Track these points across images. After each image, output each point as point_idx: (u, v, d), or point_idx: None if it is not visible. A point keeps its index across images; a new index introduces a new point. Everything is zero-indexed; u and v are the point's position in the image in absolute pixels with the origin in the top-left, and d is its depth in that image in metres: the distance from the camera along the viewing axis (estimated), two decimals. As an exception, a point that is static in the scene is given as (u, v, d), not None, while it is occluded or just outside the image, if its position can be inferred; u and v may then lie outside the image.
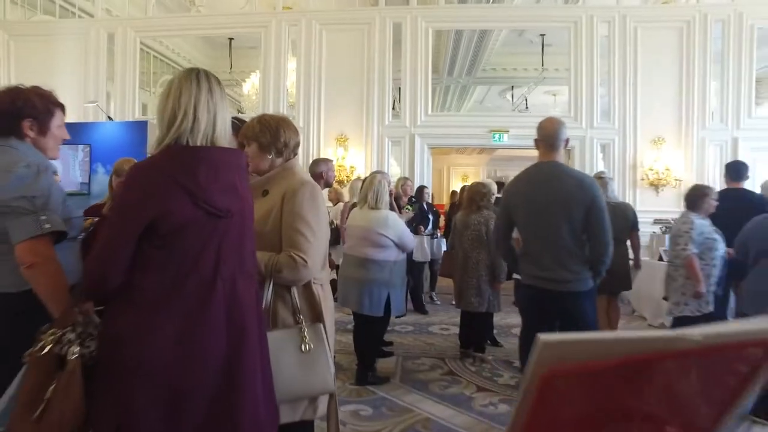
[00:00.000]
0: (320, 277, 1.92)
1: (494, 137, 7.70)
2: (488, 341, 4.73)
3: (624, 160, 7.65)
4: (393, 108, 8.05)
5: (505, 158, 12.86)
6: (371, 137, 7.91)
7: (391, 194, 5.41)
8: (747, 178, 4.62)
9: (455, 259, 4.43)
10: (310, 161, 7.43)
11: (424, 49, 7.86)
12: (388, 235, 3.58)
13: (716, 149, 7.71)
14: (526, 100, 11.69)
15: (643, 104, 7.63)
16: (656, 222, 6.35)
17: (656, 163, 7.50)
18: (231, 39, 9.69)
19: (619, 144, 7.67)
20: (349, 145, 7.95)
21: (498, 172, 13.00)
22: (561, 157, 2.79)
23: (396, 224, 3.65)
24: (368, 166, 7.79)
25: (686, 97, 7.63)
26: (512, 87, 11.65)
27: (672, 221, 6.37)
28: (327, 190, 5.12)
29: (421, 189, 6.70)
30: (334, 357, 4.38)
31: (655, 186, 7.60)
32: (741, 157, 7.65)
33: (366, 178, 4.01)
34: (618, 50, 7.66)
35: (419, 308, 6.27)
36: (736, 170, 4.66)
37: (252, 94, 9.75)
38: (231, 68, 10.04)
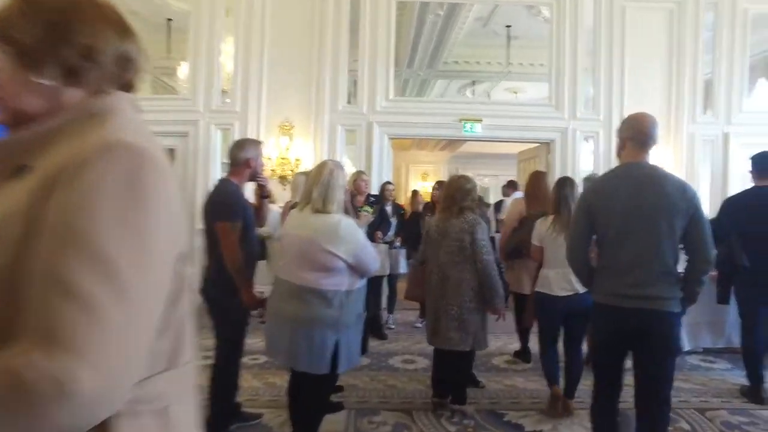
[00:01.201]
0: (153, 393, 0.75)
1: (465, 127, 6.64)
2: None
3: (609, 156, 6.75)
4: (349, 102, 6.83)
5: (468, 155, 11.91)
6: (321, 125, 6.68)
7: (346, 192, 4.26)
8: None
9: (428, 278, 3.29)
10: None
11: (385, 24, 6.70)
12: (339, 252, 2.41)
13: (706, 145, 6.94)
14: (488, 96, 10.89)
15: (631, 95, 6.76)
16: None
17: (645, 159, 6.63)
18: (169, 20, 8.22)
19: (604, 137, 6.77)
20: (295, 134, 6.69)
21: (461, 171, 12.01)
22: (649, 158, 2.40)
23: (351, 236, 2.48)
24: (317, 159, 6.57)
25: (676, 89, 6.81)
26: (473, 82, 10.85)
27: None
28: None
29: (384, 186, 5.56)
30: (261, 415, 3.15)
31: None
32: (732, 155, 6.95)
33: (312, 170, 2.79)
34: (604, 32, 6.76)
35: (376, 332, 5.09)
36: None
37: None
38: (169, 52, 8.56)
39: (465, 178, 3.24)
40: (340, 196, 2.53)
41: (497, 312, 3.13)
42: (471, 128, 6.63)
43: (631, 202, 2.23)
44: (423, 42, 9.03)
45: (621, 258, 2.24)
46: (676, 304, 2.23)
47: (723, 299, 4.02)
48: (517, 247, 3.92)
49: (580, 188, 3.58)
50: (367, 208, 4.12)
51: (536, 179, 4.17)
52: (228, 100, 6.72)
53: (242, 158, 2.79)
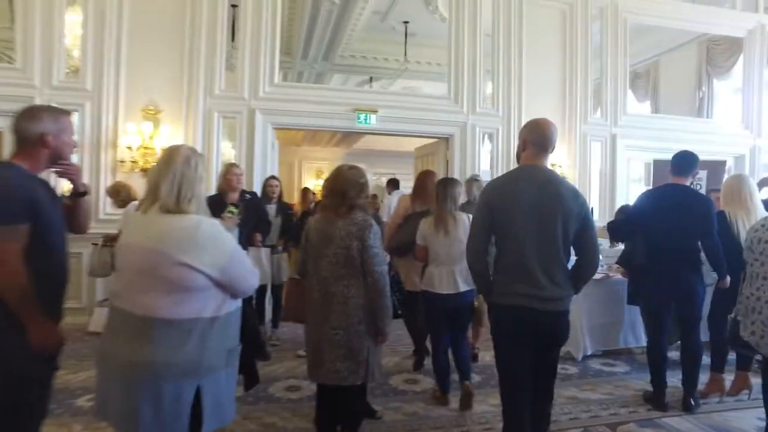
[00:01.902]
0: None
1: (359, 118, 6.05)
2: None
3: (509, 153, 6.55)
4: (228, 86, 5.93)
5: (365, 152, 11.40)
6: (195, 110, 5.72)
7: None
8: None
9: (307, 293, 2.62)
10: (100, 138, 5.07)
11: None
12: (199, 265, 1.66)
13: (597, 146, 7.01)
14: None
15: (529, 90, 6.62)
16: None
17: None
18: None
19: (503, 134, 6.55)
20: (162, 119, 5.67)
21: (357, 169, 11.44)
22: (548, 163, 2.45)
23: (216, 243, 1.73)
24: (189, 150, 5.62)
25: (569, 89, 6.79)
26: (371, 78, 10.47)
27: None
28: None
29: (267, 182, 4.80)
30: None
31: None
32: (618, 156, 7.09)
33: (159, 157, 1.96)
34: (502, 31, 6.55)
35: (258, 351, 4.29)
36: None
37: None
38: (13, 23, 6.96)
39: (357, 170, 2.60)
40: (199, 191, 1.78)
41: (383, 337, 2.56)
42: (365, 119, 6.06)
43: (533, 205, 2.23)
44: (318, 32, 8.51)
45: (522, 259, 2.24)
46: (568, 301, 2.34)
47: (633, 299, 3.82)
48: (402, 245, 3.78)
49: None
50: (232, 209, 3.37)
51: (424, 177, 4.08)
52: (78, 82, 5.51)
53: (34, 133, 1.91)
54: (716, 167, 6.41)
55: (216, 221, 1.83)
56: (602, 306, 4.70)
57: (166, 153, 1.87)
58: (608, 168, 6.98)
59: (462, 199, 3.66)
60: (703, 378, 3.69)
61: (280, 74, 6.01)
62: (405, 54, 8.76)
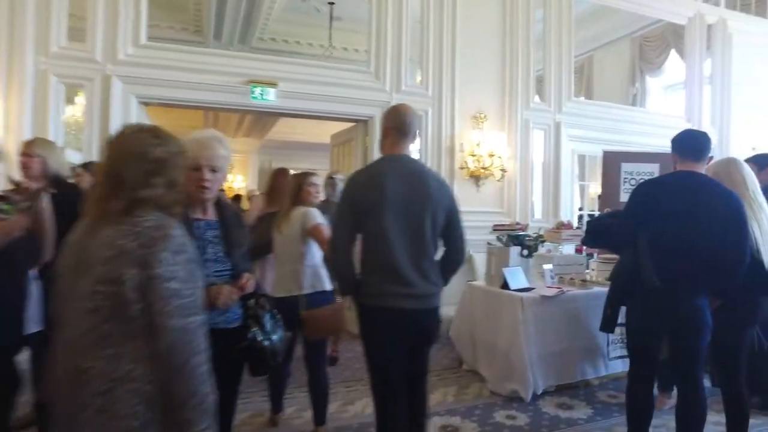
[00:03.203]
0: None
1: (254, 92, 4.76)
2: None
3: (440, 141, 5.50)
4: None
5: (281, 144, 10.03)
6: (22, 73, 4.21)
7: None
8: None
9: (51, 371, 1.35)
10: None
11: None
12: None
13: (540, 135, 6.12)
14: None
15: (464, 69, 5.59)
16: (496, 229, 4.24)
17: (479, 147, 5.50)
18: None
19: (434, 118, 5.48)
20: None
21: (274, 163, 10.06)
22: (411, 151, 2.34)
23: None
24: (16, 128, 4.11)
25: (510, 69, 5.84)
26: (293, 65, 9.18)
27: (517, 225, 4.33)
28: None
29: (82, 169, 3.40)
30: None
31: (476, 178, 5.61)
32: (563, 146, 6.24)
33: None
34: (433, 13, 5.48)
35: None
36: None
37: None
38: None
39: (145, 133, 1.36)
40: None
41: None
42: (262, 94, 4.77)
43: (400, 199, 2.13)
44: (231, 10, 7.17)
45: (391, 257, 2.11)
46: (440, 297, 2.26)
47: (610, 326, 2.78)
48: (254, 248, 3.04)
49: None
50: (2, 205, 2.08)
51: (276, 176, 3.67)
52: None
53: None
54: (668, 160, 5.65)
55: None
56: (555, 330, 3.71)
57: None
58: (552, 159, 6.11)
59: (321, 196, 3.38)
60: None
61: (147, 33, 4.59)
62: (330, 39, 7.78)
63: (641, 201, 2.48)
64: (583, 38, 8.26)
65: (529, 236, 4.22)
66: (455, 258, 2.31)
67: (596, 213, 6.78)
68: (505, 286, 3.83)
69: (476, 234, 5.62)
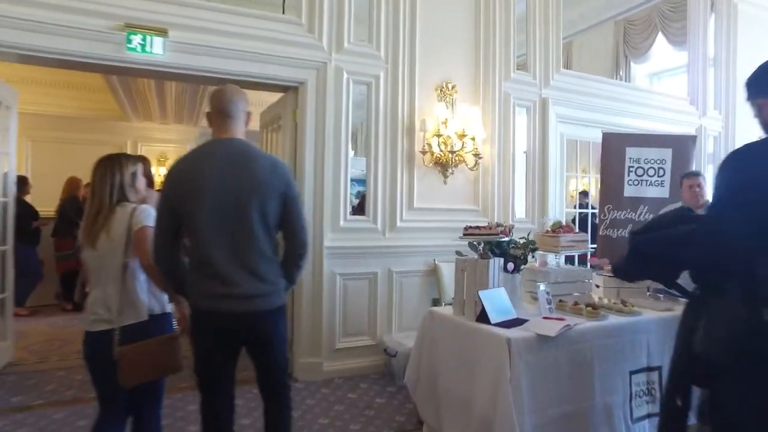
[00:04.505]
0: None
1: (131, 42, 3.38)
2: None
3: (395, 117, 4.22)
4: None
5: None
6: None
7: None
8: None
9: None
10: None
11: None
12: None
13: (522, 115, 4.91)
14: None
15: (427, 25, 4.33)
16: (468, 234, 2.94)
17: (446, 126, 4.25)
18: None
19: (387, 87, 4.19)
20: None
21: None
22: (242, 133, 2.10)
23: None
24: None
25: (485, 29, 4.61)
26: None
27: (498, 227, 3.07)
28: None
29: None
30: None
31: (443, 165, 4.36)
32: (550, 128, 5.04)
33: None
34: None
35: None
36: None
37: None
38: None
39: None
40: None
41: None
42: (143, 46, 3.40)
43: (219, 187, 1.94)
44: None
45: (213, 253, 1.94)
46: (278, 297, 2.05)
47: (678, 425, 1.54)
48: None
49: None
50: None
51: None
52: None
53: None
54: (683, 145, 4.53)
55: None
56: (557, 384, 2.46)
57: None
58: (537, 144, 4.91)
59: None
60: None
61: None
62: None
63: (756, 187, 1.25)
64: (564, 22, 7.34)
65: (515, 243, 2.98)
66: (296, 252, 2.12)
67: (591, 211, 5.62)
68: (482, 317, 2.58)
69: (442, 238, 4.38)
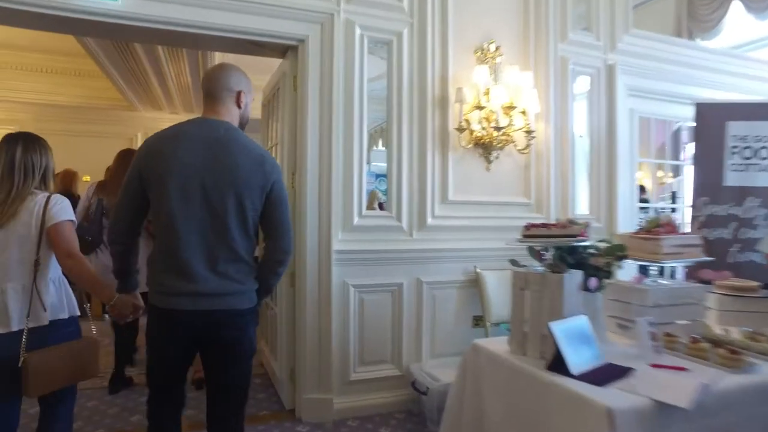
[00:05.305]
0: None
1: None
2: None
3: (422, 86, 3.32)
4: None
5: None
6: None
7: None
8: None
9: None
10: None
11: None
12: None
13: (583, 85, 3.94)
14: None
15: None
16: (530, 236, 2.02)
17: (489, 98, 3.33)
18: None
19: (412, 47, 3.30)
20: None
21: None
22: (233, 117, 1.88)
23: None
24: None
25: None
26: None
27: (572, 225, 2.13)
28: None
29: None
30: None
31: (486, 147, 3.44)
32: (619, 102, 4.04)
33: None
34: None
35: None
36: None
37: None
38: None
39: None
40: None
41: None
42: (97, -11, 2.61)
43: (192, 172, 1.74)
44: None
45: (176, 243, 1.75)
46: (247, 298, 1.85)
47: None
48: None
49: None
50: None
51: (121, 160, 3.33)
52: None
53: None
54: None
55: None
56: None
57: None
58: (603, 122, 3.92)
59: None
60: None
61: None
62: None
63: None
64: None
65: (596, 249, 2.05)
66: (275, 257, 1.89)
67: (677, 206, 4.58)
68: (558, 364, 1.67)
69: (484, 239, 3.46)
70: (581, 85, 3.94)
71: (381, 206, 4.72)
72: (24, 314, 1.85)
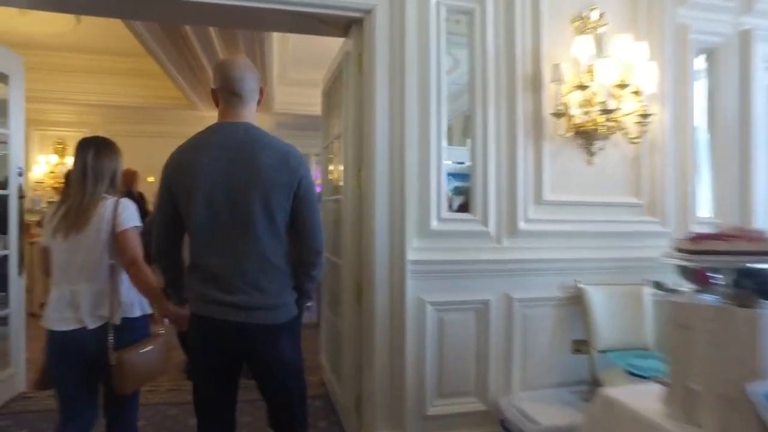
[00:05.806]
0: None
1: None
2: None
3: (510, 63, 2.78)
4: None
5: (291, 117, 7.64)
6: None
7: None
8: None
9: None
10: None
11: None
12: None
13: (702, 45, 3.25)
14: None
15: None
16: (694, 252, 1.49)
17: (592, 76, 2.73)
18: None
19: (497, 15, 2.74)
20: None
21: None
22: (253, 116, 1.80)
23: None
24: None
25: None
26: None
27: (752, 235, 1.50)
28: None
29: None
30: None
31: (588, 136, 2.85)
32: (754, 80, 3.29)
33: None
34: None
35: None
36: None
37: None
38: None
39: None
40: None
41: None
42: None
43: (216, 181, 1.68)
44: None
45: (208, 254, 1.72)
46: (283, 312, 1.75)
47: None
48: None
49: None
50: None
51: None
52: None
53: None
54: None
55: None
56: None
57: None
58: (735, 104, 3.21)
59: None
60: None
61: None
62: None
63: None
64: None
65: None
66: (306, 259, 1.80)
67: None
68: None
69: (587, 248, 2.86)
70: (699, 62, 3.24)
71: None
72: (96, 313, 1.94)
